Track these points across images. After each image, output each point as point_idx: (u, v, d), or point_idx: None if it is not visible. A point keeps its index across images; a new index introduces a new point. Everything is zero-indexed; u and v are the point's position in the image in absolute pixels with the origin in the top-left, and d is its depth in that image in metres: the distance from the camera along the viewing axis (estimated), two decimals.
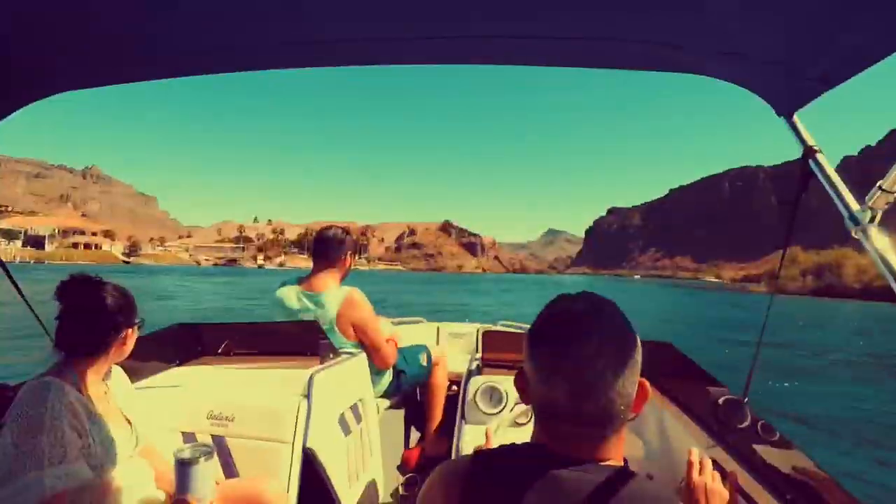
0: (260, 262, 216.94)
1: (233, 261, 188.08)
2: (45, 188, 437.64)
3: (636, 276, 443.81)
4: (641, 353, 0.70)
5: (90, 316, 1.27)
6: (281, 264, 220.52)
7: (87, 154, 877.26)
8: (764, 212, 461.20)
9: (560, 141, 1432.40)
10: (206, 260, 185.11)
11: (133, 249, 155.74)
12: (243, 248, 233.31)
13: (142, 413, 1.46)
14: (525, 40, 1.12)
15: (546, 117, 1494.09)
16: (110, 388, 1.40)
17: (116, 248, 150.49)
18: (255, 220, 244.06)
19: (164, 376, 1.97)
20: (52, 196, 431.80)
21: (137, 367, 1.80)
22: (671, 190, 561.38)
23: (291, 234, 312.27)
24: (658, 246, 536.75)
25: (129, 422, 1.39)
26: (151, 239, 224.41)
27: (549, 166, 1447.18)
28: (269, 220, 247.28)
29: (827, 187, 1.09)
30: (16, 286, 1.54)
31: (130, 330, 1.34)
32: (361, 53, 1.21)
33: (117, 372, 1.47)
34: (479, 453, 0.73)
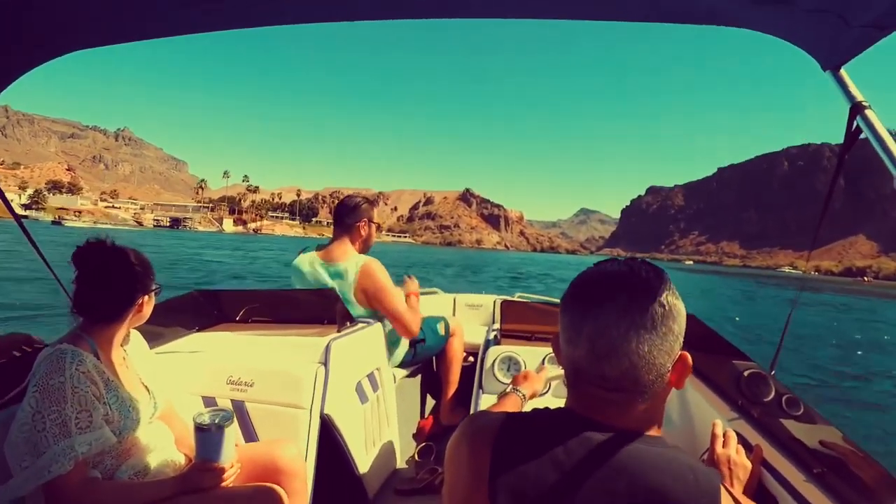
0: (232, 226, 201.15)
1: (177, 221, 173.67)
2: (77, 148, 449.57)
3: (688, 262, 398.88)
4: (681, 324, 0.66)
5: (105, 282, 1.25)
6: (256, 230, 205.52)
7: (121, 116, 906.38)
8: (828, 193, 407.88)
9: (598, 116, 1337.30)
10: (156, 220, 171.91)
11: (36, 201, 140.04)
12: (212, 207, 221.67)
13: (162, 378, 1.48)
14: None
15: (584, 91, 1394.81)
16: (129, 354, 1.42)
17: (24, 199, 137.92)
18: (226, 174, 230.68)
19: (183, 342, 2.00)
20: (84, 156, 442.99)
21: (157, 332, 1.84)
22: (720, 168, 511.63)
23: (292, 199, 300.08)
24: (701, 229, 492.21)
25: (147, 388, 1.41)
26: (102, 193, 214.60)
27: (585, 142, 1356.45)
28: (245, 177, 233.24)
29: (876, 146, 1.00)
30: (37, 250, 1.55)
31: (147, 297, 1.33)
32: (371, 5, 1.14)
33: (136, 337, 1.48)
34: (509, 414, 0.72)
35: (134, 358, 1.43)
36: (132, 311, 1.31)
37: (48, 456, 1.07)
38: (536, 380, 1.36)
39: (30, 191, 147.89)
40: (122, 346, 1.38)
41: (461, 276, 38.52)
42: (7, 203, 1.61)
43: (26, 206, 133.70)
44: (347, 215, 2.43)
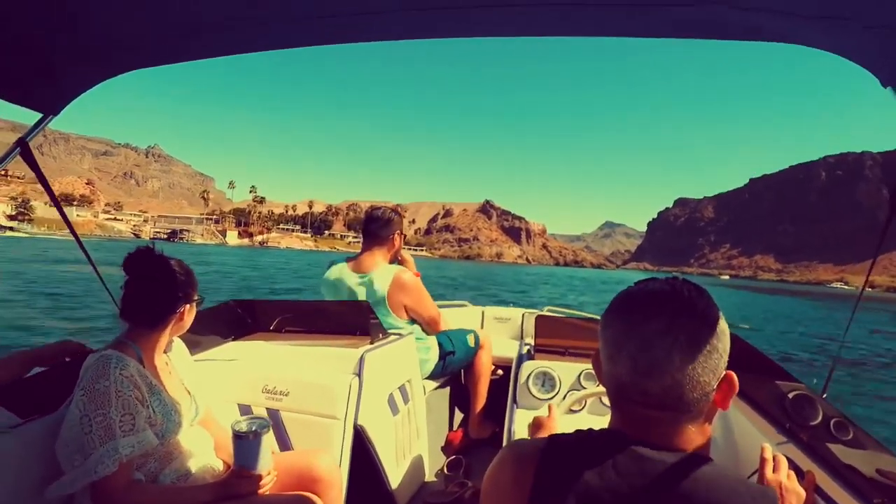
0: (237, 238, 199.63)
1: (174, 233, 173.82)
2: (109, 165, 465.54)
3: (724, 276, 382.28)
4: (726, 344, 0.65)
5: (149, 289, 1.30)
6: (263, 243, 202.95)
7: (152, 134, 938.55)
8: (870, 204, 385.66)
9: (623, 126, 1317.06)
10: (156, 232, 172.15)
11: (22, 212, 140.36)
12: (216, 219, 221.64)
13: (200, 385, 1.52)
14: (595, 7, 1.01)
15: (609, 100, 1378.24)
16: (171, 360, 1.46)
17: (11, 210, 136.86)
18: (231, 184, 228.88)
19: (220, 350, 2.03)
20: (116, 173, 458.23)
21: (196, 340, 1.88)
22: (752, 179, 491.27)
23: (305, 212, 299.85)
24: (733, 242, 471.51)
25: (189, 393, 1.45)
26: (106, 204, 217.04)
27: (610, 153, 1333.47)
28: (253, 187, 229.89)
29: None
30: (88, 257, 1.62)
31: (189, 306, 1.38)
32: (387, 27, 1.15)
33: (178, 344, 1.53)
34: (553, 436, 0.72)
35: (177, 364, 1.48)
36: (174, 319, 1.35)
37: (94, 457, 1.13)
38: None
39: (11, 203, 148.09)
40: (165, 352, 1.43)
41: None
42: (66, 219, 1.70)
43: (11, 217, 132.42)
44: (382, 228, 2.48)
